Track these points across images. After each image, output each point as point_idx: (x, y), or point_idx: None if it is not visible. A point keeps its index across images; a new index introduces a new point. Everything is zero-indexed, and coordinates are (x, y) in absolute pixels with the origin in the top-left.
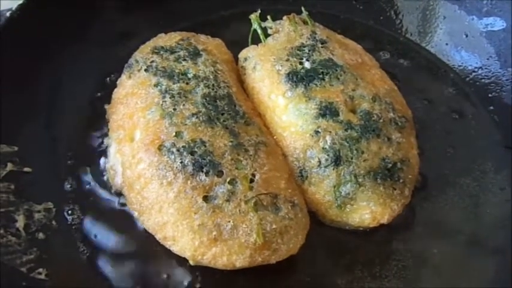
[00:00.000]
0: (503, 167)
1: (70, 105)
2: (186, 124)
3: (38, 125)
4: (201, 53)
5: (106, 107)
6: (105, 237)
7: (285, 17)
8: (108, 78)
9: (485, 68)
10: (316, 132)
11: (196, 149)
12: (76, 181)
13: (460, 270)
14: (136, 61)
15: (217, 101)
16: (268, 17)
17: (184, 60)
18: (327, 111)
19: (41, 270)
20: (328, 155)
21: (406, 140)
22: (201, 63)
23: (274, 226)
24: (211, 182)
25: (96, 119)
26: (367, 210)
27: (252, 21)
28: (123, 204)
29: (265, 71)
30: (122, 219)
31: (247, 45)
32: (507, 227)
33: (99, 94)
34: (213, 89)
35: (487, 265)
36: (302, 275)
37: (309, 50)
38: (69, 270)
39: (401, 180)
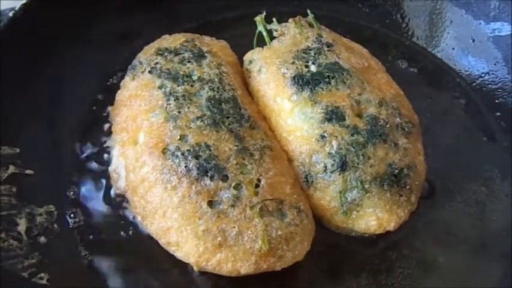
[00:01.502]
0: (510, 173)
1: (72, 106)
2: (190, 127)
3: (40, 127)
4: (205, 55)
5: (109, 109)
6: (107, 241)
7: (290, 20)
8: (111, 80)
9: (492, 74)
10: (322, 136)
11: (201, 153)
12: (78, 184)
13: (466, 278)
14: (140, 62)
15: (222, 104)
16: (274, 19)
17: (189, 62)
18: (333, 115)
19: (42, 275)
20: (334, 160)
21: (413, 145)
22: (205, 66)
23: (279, 232)
24: (216, 187)
25: (99, 121)
26: (373, 217)
27: (257, 23)
28: (126, 208)
29: (270, 74)
30: (124, 224)
31: (252, 48)
32: None
33: (101, 96)
34: (218, 92)
35: (493, 272)
36: (307, 282)
37: (315, 53)
38: (71, 275)
39: (408, 187)
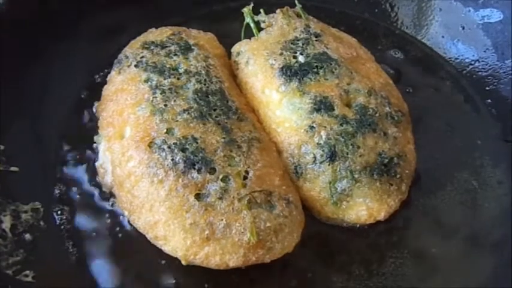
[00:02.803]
0: (501, 160)
1: (58, 102)
2: (177, 120)
3: (26, 123)
4: (192, 47)
5: (96, 104)
6: (95, 237)
7: (278, 10)
8: (97, 75)
9: (482, 61)
10: (311, 127)
11: (187, 146)
12: (65, 180)
13: (458, 266)
14: (126, 56)
15: (209, 96)
16: (261, 10)
17: (175, 55)
18: (322, 105)
19: (27, 272)
20: (323, 151)
21: (403, 134)
22: (192, 58)
23: (268, 224)
24: (204, 180)
25: (86, 117)
26: (364, 207)
27: (244, 14)
28: (114, 203)
29: (258, 65)
30: (112, 219)
31: (240, 40)
32: (506, 221)
33: (88, 91)
34: (204, 85)
35: (486, 260)
36: (297, 274)
37: (303, 44)
38: (58, 271)
39: (398, 176)
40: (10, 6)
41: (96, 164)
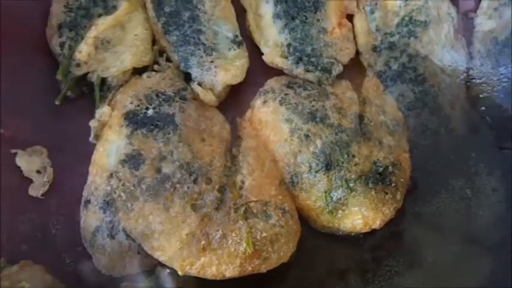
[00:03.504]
0: (496, 168)
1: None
2: None
3: None
4: None
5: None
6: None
7: None
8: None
9: (476, 69)
10: (307, 136)
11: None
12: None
13: (454, 274)
14: None
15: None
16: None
17: None
18: (317, 114)
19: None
20: (318, 160)
21: (397, 143)
22: None
23: (264, 234)
24: (200, 190)
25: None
26: (359, 216)
27: None
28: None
29: None
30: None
31: None
32: (501, 228)
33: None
34: None
35: (481, 268)
36: (294, 283)
37: None
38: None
39: (393, 184)
40: None
41: None
